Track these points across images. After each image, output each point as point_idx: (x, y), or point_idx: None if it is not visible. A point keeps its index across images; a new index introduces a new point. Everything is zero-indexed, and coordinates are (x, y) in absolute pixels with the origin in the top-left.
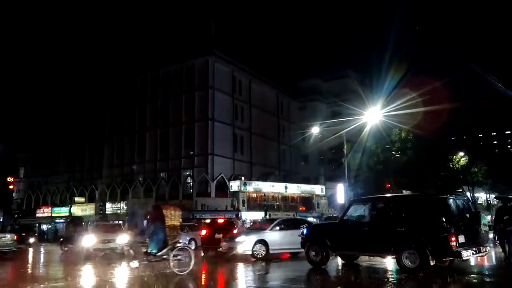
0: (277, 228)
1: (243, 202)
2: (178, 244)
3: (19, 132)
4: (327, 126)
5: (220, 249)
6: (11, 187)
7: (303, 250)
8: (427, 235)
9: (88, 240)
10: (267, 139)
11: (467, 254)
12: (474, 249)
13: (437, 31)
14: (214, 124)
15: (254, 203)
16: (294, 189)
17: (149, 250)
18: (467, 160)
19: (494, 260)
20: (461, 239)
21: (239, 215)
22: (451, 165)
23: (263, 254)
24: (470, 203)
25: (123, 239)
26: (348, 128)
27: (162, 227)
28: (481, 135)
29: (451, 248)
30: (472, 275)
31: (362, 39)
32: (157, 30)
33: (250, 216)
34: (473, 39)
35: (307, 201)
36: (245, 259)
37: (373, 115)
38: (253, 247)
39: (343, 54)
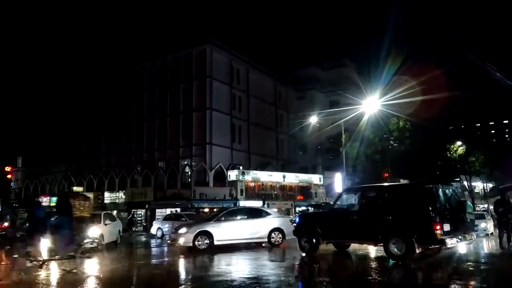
0: (223, 218)
1: (241, 191)
2: (87, 240)
3: (16, 121)
4: (325, 115)
5: (168, 241)
6: (9, 176)
7: (259, 240)
8: (413, 224)
9: None
10: (265, 128)
11: (451, 242)
12: (459, 237)
13: (435, 20)
14: (212, 113)
15: (252, 193)
16: (292, 179)
17: (51, 246)
18: (464, 150)
19: (485, 248)
20: (446, 227)
21: (237, 205)
22: (448, 154)
23: (205, 246)
24: (456, 192)
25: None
26: (346, 118)
27: (68, 219)
28: (478, 125)
29: (435, 236)
30: (458, 263)
31: (360, 27)
32: (154, 19)
33: (248, 205)
34: (472, 28)
35: (305, 190)
36: (186, 251)
37: (371, 104)
38: (195, 239)
39: (341, 43)
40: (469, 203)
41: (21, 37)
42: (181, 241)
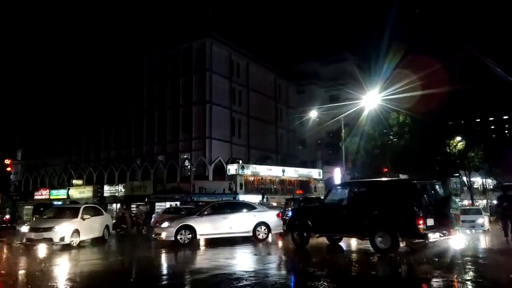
0: (206, 213)
1: (241, 185)
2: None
3: (16, 114)
4: (325, 110)
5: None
6: (8, 169)
7: (244, 234)
8: (398, 218)
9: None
10: (264, 122)
11: (434, 236)
12: (443, 231)
13: (436, 13)
14: (212, 107)
15: (252, 187)
16: (292, 173)
17: None
18: (464, 145)
19: (474, 243)
20: (430, 222)
21: (237, 199)
22: (448, 150)
23: (187, 241)
24: (441, 188)
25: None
26: (346, 113)
27: None
28: (478, 120)
29: (418, 231)
30: (441, 257)
31: (361, 22)
32: (154, 12)
33: (247, 199)
34: (472, 23)
35: (305, 185)
36: (168, 246)
37: (371, 99)
38: (177, 233)
39: (342, 37)
40: (454, 198)
41: (20, 31)
42: (163, 235)
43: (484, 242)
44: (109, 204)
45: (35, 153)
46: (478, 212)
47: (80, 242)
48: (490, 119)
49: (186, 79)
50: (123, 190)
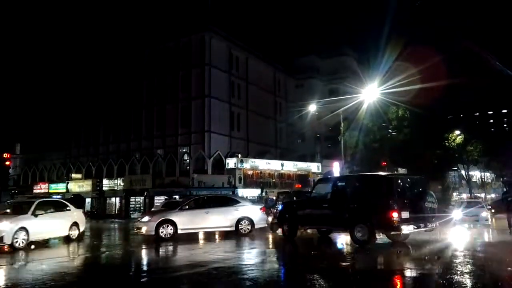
0: (188, 207)
1: (240, 179)
2: None
3: (15, 108)
4: (324, 104)
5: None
6: (7, 163)
7: (226, 228)
8: (374, 211)
9: None
10: (263, 116)
11: (408, 228)
12: (419, 224)
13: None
14: (211, 101)
15: (251, 180)
16: (291, 167)
17: None
18: (463, 139)
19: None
20: (405, 215)
21: (236, 192)
22: (447, 143)
23: (169, 235)
24: (418, 182)
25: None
26: (345, 107)
27: None
28: (477, 114)
29: (393, 223)
30: (418, 249)
31: (360, 15)
32: (153, 5)
33: (246, 193)
34: (473, 16)
35: (303, 179)
36: (148, 241)
37: (370, 93)
38: (157, 228)
39: (341, 30)
40: (431, 193)
41: (20, 25)
42: (144, 229)
43: (478, 235)
44: (108, 198)
45: (34, 147)
46: (481, 206)
47: (32, 243)
48: (489, 112)
49: (185, 72)
50: (122, 184)
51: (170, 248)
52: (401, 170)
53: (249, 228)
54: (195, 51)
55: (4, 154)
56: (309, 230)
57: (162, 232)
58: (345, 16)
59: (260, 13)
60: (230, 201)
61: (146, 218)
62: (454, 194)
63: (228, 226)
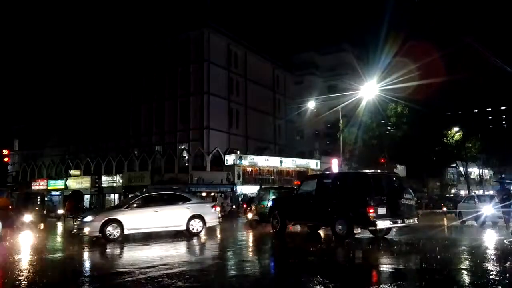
0: (135, 205)
1: (239, 175)
2: None
3: (13, 104)
4: (323, 100)
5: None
6: (6, 159)
7: (177, 228)
8: (352, 207)
9: None
10: (262, 113)
11: (383, 223)
12: (396, 220)
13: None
14: (210, 97)
15: (250, 177)
16: (289, 163)
17: None
18: (461, 135)
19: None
20: (381, 211)
21: (234, 189)
22: (445, 140)
23: (114, 236)
24: (395, 180)
25: None
26: (344, 103)
27: None
28: (476, 111)
29: (369, 219)
30: (397, 244)
31: (359, 11)
32: (151, 1)
33: (245, 189)
34: (473, 12)
35: (302, 175)
36: (96, 242)
37: (369, 90)
38: (102, 228)
39: (340, 26)
40: (409, 190)
41: (18, 21)
42: (86, 230)
43: (464, 233)
44: (107, 195)
45: (32, 143)
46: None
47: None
48: (488, 109)
49: (184, 69)
50: (121, 180)
51: (116, 251)
52: (400, 167)
53: (201, 227)
54: (193, 47)
55: (3, 151)
56: (300, 226)
57: (108, 233)
58: (345, 12)
59: (259, 9)
60: (181, 199)
61: (89, 218)
62: (453, 190)
63: (179, 225)
